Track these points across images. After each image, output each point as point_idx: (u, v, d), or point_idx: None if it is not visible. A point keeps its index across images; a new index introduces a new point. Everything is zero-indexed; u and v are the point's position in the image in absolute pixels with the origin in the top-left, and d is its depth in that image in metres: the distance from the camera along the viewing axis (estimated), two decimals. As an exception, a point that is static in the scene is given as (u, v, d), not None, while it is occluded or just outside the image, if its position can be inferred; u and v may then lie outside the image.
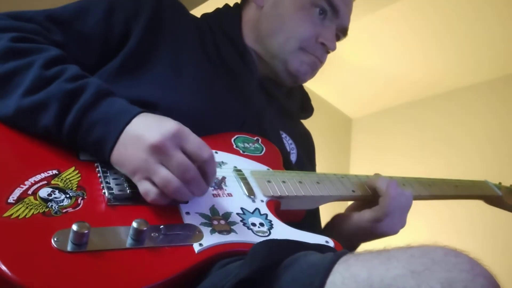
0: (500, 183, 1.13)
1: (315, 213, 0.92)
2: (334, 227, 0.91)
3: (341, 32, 0.99)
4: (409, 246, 0.47)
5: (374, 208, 0.85)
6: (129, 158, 0.61)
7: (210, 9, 1.04)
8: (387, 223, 0.84)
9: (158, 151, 0.59)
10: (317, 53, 0.94)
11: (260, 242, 0.57)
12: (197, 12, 1.05)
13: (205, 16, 1.00)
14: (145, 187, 0.60)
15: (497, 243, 2.52)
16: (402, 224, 0.86)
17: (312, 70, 0.97)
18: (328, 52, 0.97)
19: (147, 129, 0.61)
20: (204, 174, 0.62)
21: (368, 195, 0.87)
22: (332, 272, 0.46)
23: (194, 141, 0.61)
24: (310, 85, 3.31)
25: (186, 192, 0.61)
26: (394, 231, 0.86)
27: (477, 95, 3.04)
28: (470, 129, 2.98)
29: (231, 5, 1.02)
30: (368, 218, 0.85)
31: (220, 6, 1.02)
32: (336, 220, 0.90)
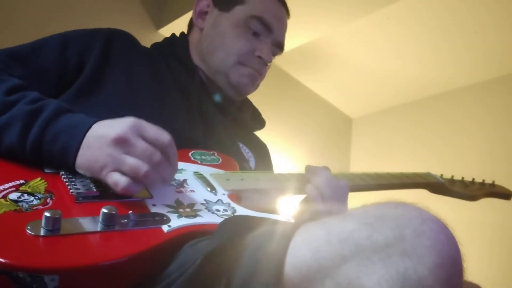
0: (441, 175, 1.23)
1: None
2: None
3: (277, 47, 1.10)
4: (364, 205, 0.52)
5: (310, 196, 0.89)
6: (95, 157, 0.65)
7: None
8: (326, 204, 0.88)
9: (121, 143, 0.64)
10: (255, 66, 1.04)
11: (227, 218, 0.62)
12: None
13: (155, 45, 1.10)
14: (114, 178, 0.64)
15: (494, 244, 2.56)
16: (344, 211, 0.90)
17: (252, 82, 1.06)
18: (266, 65, 1.07)
19: (107, 127, 0.67)
20: (167, 159, 0.67)
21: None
22: (294, 236, 0.50)
23: (152, 129, 0.67)
24: (310, 85, 3.38)
25: (156, 175, 0.65)
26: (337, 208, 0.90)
27: (475, 96, 3.09)
28: (469, 129, 3.02)
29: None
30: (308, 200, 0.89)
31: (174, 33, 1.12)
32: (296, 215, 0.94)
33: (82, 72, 0.89)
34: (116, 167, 0.64)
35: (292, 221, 0.73)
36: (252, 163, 1.02)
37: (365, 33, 2.76)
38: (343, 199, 0.91)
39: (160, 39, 1.12)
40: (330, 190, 0.88)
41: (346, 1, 2.30)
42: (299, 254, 0.48)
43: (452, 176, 1.26)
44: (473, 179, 1.27)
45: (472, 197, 1.21)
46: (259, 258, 0.50)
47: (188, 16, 1.14)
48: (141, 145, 0.65)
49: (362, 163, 3.51)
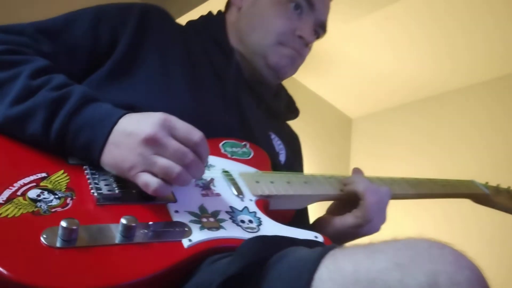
0: (486, 183, 1.15)
1: (303, 212, 0.92)
2: (316, 231, 0.90)
3: (320, 27, 1.02)
4: (395, 240, 0.48)
5: (356, 214, 0.83)
6: (124, 156, 0.62)
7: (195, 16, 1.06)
8: (369, 227, 0.85)
9: (152, 142, 0.61)
10: (295, 46, 0.97)
11: (249, 239, 0.58)
12: (183, 20, 1.08)
13: (190, 23, 1.03)
14: (144, 179, 0.61)
15: (492, 244, 2.52)
16: (383, 221, 0.86)
17: (292, 63, 0.99)
18: (307, 46, 0.99)
19: (136, 125, 0.63)
20: (199, 157, 0.64)
21: (353, 193, 0.88)
22: (319, 267, 0.46)
23: (183, 126, 0.63)
24: (310, 85, 3.38)
25: (188, 176, 0.63)
26: (376, 230, 0.87)
27: (475, 96, 3.06)
28: (469, 129, 3.00)
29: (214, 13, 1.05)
30: (350, 225, 0.84)
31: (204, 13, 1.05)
32: (319, 224, 0.90)
33: (114, 51, 0.84)
34: (146, 168, 0.61)
35: (320, 237, 0.69)
36: (282, 157, 0.97)
37: (365, 33, 2.74)
38: (384, 208, 0.85)
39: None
40: (378, 204, 0.83)
41: (346, 1, 2.26)
42: None
43: (498, 185, 1.18)
44: (520, 189, 1.19)
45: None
46: None
47: (188, 16, 1.07)
48: (172, 144, 0.61)
49: (362, 163, 3.48)
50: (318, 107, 3.49)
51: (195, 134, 0.64)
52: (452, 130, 3.10)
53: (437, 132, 3.17)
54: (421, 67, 3.06)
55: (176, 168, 0.61)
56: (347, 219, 0.84)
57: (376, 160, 3.34)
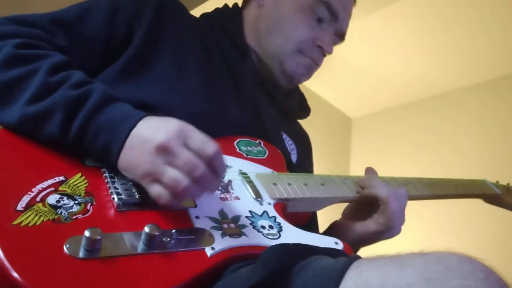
0: (497, 182, 1.15)
1: (313, 214, 0.91)
2: (335, 236, 0.89)
3: (338, 37, 1.00)
4: (423, 253, 0.47)
5: (378, 221, 0.82)
6: (137, 162, 0.60)
7: (209, 9, 1.04)
8: (391, 232, 0.83)
9: (164, 151, 0.59)
10: (313, 56, 0.95)
11: (271, 247, 0.57)
12: (197, 12, 1.05)
13: (205, 15, 1.00)
14: (156, 190, 0.59)
15: (496, 243, 2.54)
16: (402, 223, 0.84)
17: (308, 72, 0.98)
18: (324, 55, 0.98)
19: (152, 131, 0.61)
20: (213, 171, 0.61)
21: (372, 196, 0.87)
22: (344, 278, 0.45)
23: (197, 137, 0.60)
24: (310, 85, 3.36)
25: (197, 190, 0.60)
26: (397, 233, 0.85)
27: (476, 96, 3.06)
28: (469, 130, 3.01)
29: (230, 5, 1.02)
30: (372, 231, 0.83)
31: (219, 6, 1.02)
32: (337, 229, 0.88)
33: (129, 45, 0.82)
34: (156, 178, 0.59)
35: (340, 244, 0.68)
36: (294, 157, 0.95)
37: (365, 32, 2.73)
38: (403, 211, 0.84)
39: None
40: (400, 208, 0.81)
41: None
42: None
43: (508, 184, 1.18)
44: (532, 188, 1.19)
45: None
46: None
47: (199, 9, 1.03)
48: (184, 155, 0.58)
49: (362, 163, 3.46)
50: (318, 107, 3.47)
51: (210, 146, 0.61)
52: (453, 129, 3.10)
53: (438, 132, 3.17)
54: (422, 67, 3.06)
55: (184, 181, 0.58)
56: (369, 226, 0.82)
57: (376, 160, 3.35)
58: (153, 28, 0.84)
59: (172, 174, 0.58)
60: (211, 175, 0.61)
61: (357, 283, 0.44)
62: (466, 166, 2.81)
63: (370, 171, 0.93)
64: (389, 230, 0.81)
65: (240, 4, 1.03)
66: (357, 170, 3.46)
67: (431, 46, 2.84)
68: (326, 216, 0.98)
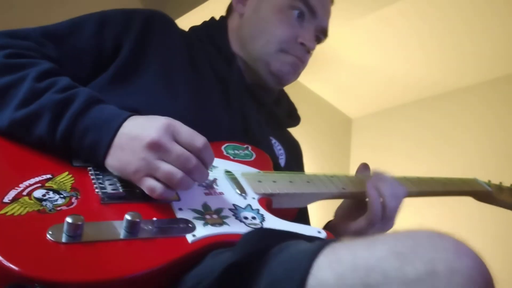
0: (489, 181, 1.15)
1: (303, 211, 0.93)
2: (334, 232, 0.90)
3: (321, 33, 1.03)
4: (395, 231, 0.48)
5: (367, 216, 0.83)
6: (128, 160, 0.63)
7: (196, 18, 1.08)
8: (384, 225, 0.84)
9: (156, 147, 0.62)
10: (297, 53, 0.98)
11: (251, 231, 0.58)
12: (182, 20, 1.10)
13: (193, 29, 1.05)
14: (149, 184, 0.62)
15: (496, 242, 2.50)
16: (391, 216, 0.85)
17: (294, 70, 1.00)
18: (309, 52, 1.01)
19: (140, 128, 0.64)
20: (202, 162, 0.65)
21: (358, 192, 0.88)
22: (319, 257, 0.47)
23: (186, 132, 0.64)
24: (310, 85, 3.39)
25: (190, 181, 0.63)
26: (391, 227, 0.86)
27: (477, 95, 3.06)
28: (470, 129, 3.00)
29: (216, 17, 1.07)
30: (365, 227, 0.84)
31: (206, 15, 1.08)
32: (331, 229, 0.88)
33: (118, 56, 0.86)
34: (149, 173, 0.62)
35: (323, 233, 0.69)
36: (282, 161, 0.97)
37: (365, 32, 2.74)
38: (400, 207, 0.85)
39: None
40: (395, 200, 0.83)
41: (347, 0, 2.26)
42: (322, 276, 0.45)
43: (500, 183, 1.18)
44: (524, 187, 1.19)
45: (522, 209, 1.12)
46: (280, 276, 0.47)
47: (188, 16, 1.09)
48: (176, 149, 0.62)
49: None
50: (318, 107, 3.50)
51: (199, 139, 0.65)
52: (454, 129, 3.09)
53: (439, 132, 3.16)
54: (422, 66, 3.06)
55: (178, 174, 0.62)
56: (362, 223, 0.84)
57: (376, 160, 3.33)
58: (141, 40, 0.89)
59: (166, 168, 0.62)
60: (203, 166, 0.65)
61: (331, 260, 0.46)
62: (467, 166, 2.79)
63: (363, 167, 0.95)
64: (379, 222, 0.82)
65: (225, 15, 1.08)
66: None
67: (432, 46, 2.85)
68: (324, 215, 0.99)
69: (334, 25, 2.40)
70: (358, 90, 3.45)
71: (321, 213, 0.95)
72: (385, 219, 0.83)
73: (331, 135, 3.54)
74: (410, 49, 2.92)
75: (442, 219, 2.65)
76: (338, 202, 0.95)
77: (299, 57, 0.99)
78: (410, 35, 2.79)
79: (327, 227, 0.92)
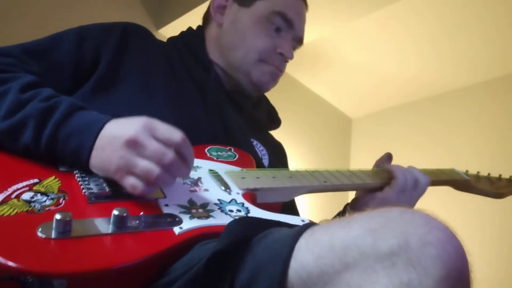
0: (467, 171, 1.19)
1: (291, 204, 0.95)
2: (359, 206, 0.98)
3: (297, 42, 1.07)
4: (369, 211, 0.50)
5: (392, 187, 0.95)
6: (109, 159, 0.65)
7: (196, 18, 1.12)
8: (405, 200, 0.95)
9: (133, 144, 0.64)
10: (276, 63, 1.02)
11: (236, 219, 0.60)
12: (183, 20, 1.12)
13: (171, 39, 1.08)
14: (130, 182, 0.63)
15: (493, 240, 2.54)
16: (415, 203, 0.97)
17: (273, 80, 1.04)
18: (286, 61, 1.04)
19: (119, 128, 0.66)
20: (182, 158, 0.66)
21: (340, 185, 0.91)
22: (299, 240, 0.49)
23: (163, 128, 0.66)
24: (310, 85, 3.42)
25: (169, 176, 0.65)
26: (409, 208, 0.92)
27: (474, 96, 3.11)
28: (468, 130, 3.04)
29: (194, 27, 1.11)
30: (391, 194, 0.94)
31: (191, 23, 1.11)
32: (360, 200, 0.99)
33: (97, 68, 0.88)
34: (129, 170, 0.64)
35: (306, 221, 0.71)
36: (265, 161, 1.00)
37: (365, 33, 2.77)
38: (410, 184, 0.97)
39: (160, 39, 1.09)
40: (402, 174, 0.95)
41: (346, 1, 2.30)
42: (302, 259, 0.47)
43: (478, 173, 1.22)
44: (500, 175, 1.23)
45: (498, 195, 1.16)
46: (263, 261, 0.49)
47: (188, 16, 1.12)
48: (152, 146, 0.64)
49: (362, 163, 3.49)
50: (318, 107, 3.51)
51: (176, 134, 0.66)
52: (452, 129, 3.13)
53: (437, 132, 3.20)
54: (421, 67, 3.10)
55: (155, 170, 0.63)
56: (388, 192, 0.95)
57: (376, 160, 3.35)
58: (119, 51, 0.91)
59: (143, 164, 0.63)
60: (181, 161, 0.66)
61: (308, 242, 0.48)
62: (463, 165, 2.81)
63: (386, 157, 1.10)
64: (401, 197, 0.93)
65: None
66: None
67: (428, 47, 2.89)
68: (323, 211, 1.02)
69: (334, 26, 2.46)
70: (358, 90, 3.46)
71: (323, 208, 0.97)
72: (417, 188, 0.96)
73: (331, 135, 3.55)
74: (407, 50, 2.96)
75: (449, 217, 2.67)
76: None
77: (277, 67, 1.03)
78: (408, 36, 2.82)
79: (355, 202, 1.00)
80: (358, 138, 3.75)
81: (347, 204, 1.03)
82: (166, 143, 0.65)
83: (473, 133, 3.02)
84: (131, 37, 0.95)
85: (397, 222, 0.45)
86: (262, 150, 1.03)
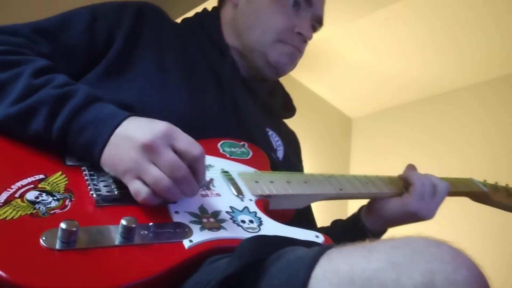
0: (485, 181, 1.15)
1: (306, 211, 0.92)
2: (376, 210, 0.96)
3: (317, 22, 1.02)
4: (391, 238, 0.47)
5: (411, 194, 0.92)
6: (120, 158, 0.61)
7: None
8: (425, 206, 0.92)
9: (149, 150, 0.60)
10: (295, 43, 0.97)
11: (248, 238, 0.57)
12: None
13: (185, 20, 1.02)
14: (135, 187, 0.60)
15: (495, 244, 2.53)
16: (436, 210, 0.94)
17: (292, 61, 0.99)
18: (305, 42, 0.99)
19: (137, 129, 0.62)
20: (194, 172, 0.63)
21: (357, 194, 0.88)
22: (316, 267, 0.46)
23: (184, 139, 0.62)
24: (310, 85, 3.39)
25: (177, 191, 0.61)
26: (430, 215, 0.93)
27: (476, 95, 3.07)
28: (469, 129, 3.02)
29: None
30: (411, 200, 0.91)
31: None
32: (378, 204, 0.95)
33: (110, 50, 0.84)
34: (138, 175, 0.60)
35: (320, 237, 0.68)
36: (280, 153, 0.96)
37: (365, 32, 2.73)
38: (431, 194, 0.94)
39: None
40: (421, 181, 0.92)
41: (346, 1, 2.26)
42: None
43: (496, 183, 1.18)
44: (518, 187, 1.19)
45: (517, 209, 1.13)
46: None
47: (189, 15, 1.06)
48: (168, 156, 0.60)
49: (362, 163, 3.55)
50: (318, 107, 3.50)
51: (195, 148, 0.63)
52: (453, 129, 3.11)
53: (438, 131, 3.18)
54: (422, 66, 3.07)
55: (165, 181, 0.60)
56: (407, 199, 0.92)
57: (376, 160, 3.36)
58: (132, 33, 0.86)
59: (154, 172, 0.60)
60: (192, 178, 0.63)
61: (326, 271, 0.45)
62: (466, 165, 2.81)
63: (411, 167, 0.99)
64: (421, 203, 0.91)
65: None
66: (357, 170, 3.48)
67: (431, 46, 2.85)
68: (328, 215, 0.99)
69: (335, 26, 2.40)
70: (358, 90, 3.44)
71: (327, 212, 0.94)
72: (436, 194, 0.93)
73: (331, 135, 3.54)
74: (409, 49, 2.92)
75: (442, 221, 2.67)
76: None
77: (296, 47, 0.98)
78: (410, 35, 2.79)
79: (372, 205, 0.97)
80: (358, 138, 3.73)
81: (362, 207, 1.00)
82: (183, 155, 0.62)
83: (476, 132, 2.98)
84: (145, 19, 0.89)
85: (422, 257, 0.42)
86: (277, 141, 0.99)
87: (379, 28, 2.74)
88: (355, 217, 0.99)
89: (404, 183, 0.96)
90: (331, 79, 3.20)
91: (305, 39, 0.98)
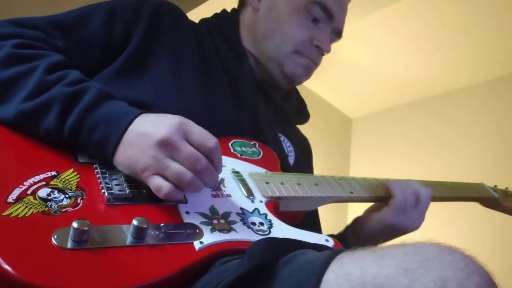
0: (495, 186, 1.14)
1: (314, 214, 0.92)
2: (357, 229, 0.94)
3: (336, 35, 1.00)
4: (403, 244, 0.47)
5: (390, 207, 0.89)
6: (137, 157, 0.61)
7: (207, 11, 1.05)
8: (407, 222, 0.89)
9: (166, 145, 0.60)
10: (312, 56, 0.96)
11: (259, 240, 0.57)
12: (194, 14, 1.07)
13: (203, 21, 1.02)
14: (156, 182, 0.60)
15: (495, 246, 2.52)
16: (421, 220, 0.91)
17: (307, 73, 0.99)
18: (323, 54, 0.98)
19: (151, 126, 0.62)
20: (211, 162, 0.63)
21: (368, 197, 0.87)
22: (327, 271, 0.46)
23: (198, 131, 0.62)
24: (310, 85, 3.37)
25: (200, 183, 0.62)
26: (415, 226, 0.90)
27: (476, 96, 3.06)
28: (469, 129, 3.01)
29: (228, 9, 1.04)
30: (388, 214, 0.88)
31: (217, 9, 1.04)
32: (359, 222, 0.93)
33: (127, 47, 0.83)
34: (158, 171, 0.60)
35: (330, 241, 0.68)
36: (291, 158, 0.96)
37: (365, 33, 2.74)
38: (413, 204, 0.91)
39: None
40: (401, 192, 0.88)
41: None
42: None
43: (506, 188, 1.17)
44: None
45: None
46: None
47: (198, 10, 1.05)
48: (186, 149, 0.60)
49: (362, 163, 3.54)
50: (318, 107, 3.49)
51: (210, 140, 0.63)
52: (453, 129, 3.10)
53: (438, 132, 3.17)
54: (422, 67, 3.06)
55: (188, 174, 0.60)
56: (385, 211, 0.89)
57: (376, 160, 3.35)
58: (150, 31, 0.86)
59: (176, 167, 0.60)
60: (212, 168, 0.63)
61: (338, 275, 0.45)
62: (465, 166, 2.81)
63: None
64: (401, 216, 0.88)
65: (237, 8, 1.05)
66: (357, 170, 3.48)
67: (430, 46, 2.84)
68: (327, 217, 0.99)
69: None
70: (358, 90, 3.44)
71: (331, 214, 0.94)
72: (419, 203, 0.90)
73: (331, 135, 3.54)
74: (409, 49, 2.92)
75: (443, 223, 2.66)
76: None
77: (313, 60, 0.97)
78: (409, 35, 2.78)
79: (355, 223, 0.95)
80: (358, 138, 3.72)
81: (351, 223, 0.98)
82: (199, 147, 0.62)
83: (475, 132, 2.97)
84: (163, 17, 0.89)
85: (435, 264, 0.42)
86: (289, 146, 0.98)
87: (379, 28, 2.74)
88: (341, 236, 0.96)
89: (385, 192, 0.92)
90: (331, 79, 3.18)
91: (322, 52, 0.98)
